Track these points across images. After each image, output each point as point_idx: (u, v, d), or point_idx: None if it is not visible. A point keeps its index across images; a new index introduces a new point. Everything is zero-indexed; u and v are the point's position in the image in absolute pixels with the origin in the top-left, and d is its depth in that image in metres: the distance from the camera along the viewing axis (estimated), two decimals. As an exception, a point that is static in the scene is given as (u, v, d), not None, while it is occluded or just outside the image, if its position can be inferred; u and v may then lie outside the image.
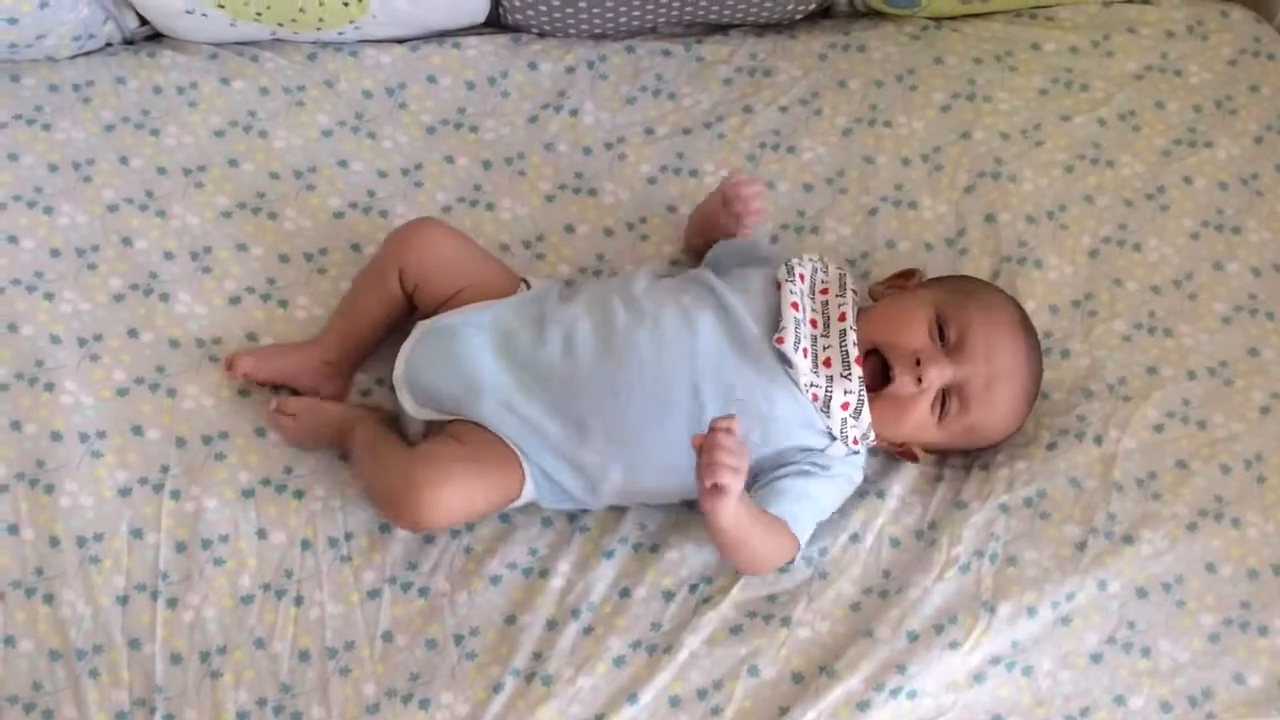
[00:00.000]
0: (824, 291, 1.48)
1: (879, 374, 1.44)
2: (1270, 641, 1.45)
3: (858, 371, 1.42)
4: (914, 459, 1.51)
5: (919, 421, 1.45)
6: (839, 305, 1.46)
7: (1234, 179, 1.72)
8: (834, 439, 1.44)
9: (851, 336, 1.43)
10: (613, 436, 1.42)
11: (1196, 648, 1.45)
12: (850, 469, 1.47)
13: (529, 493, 1.45)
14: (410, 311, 1.55)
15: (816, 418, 1.43)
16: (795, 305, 1.44)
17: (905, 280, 1.54)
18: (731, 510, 1.31)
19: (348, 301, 1.56)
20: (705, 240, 1.58)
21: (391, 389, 1.51)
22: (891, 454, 1.52)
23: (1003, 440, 1.53)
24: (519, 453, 1.43)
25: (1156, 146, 1.73)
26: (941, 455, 1.55)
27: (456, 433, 1.45)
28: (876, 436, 1.47)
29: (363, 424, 1.48)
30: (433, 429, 1.49)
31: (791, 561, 1.45)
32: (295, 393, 1.52)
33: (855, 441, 1.44)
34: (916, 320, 1.45)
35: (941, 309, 1.46)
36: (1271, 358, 1.61)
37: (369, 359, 1.57)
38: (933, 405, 1.44)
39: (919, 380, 1.42)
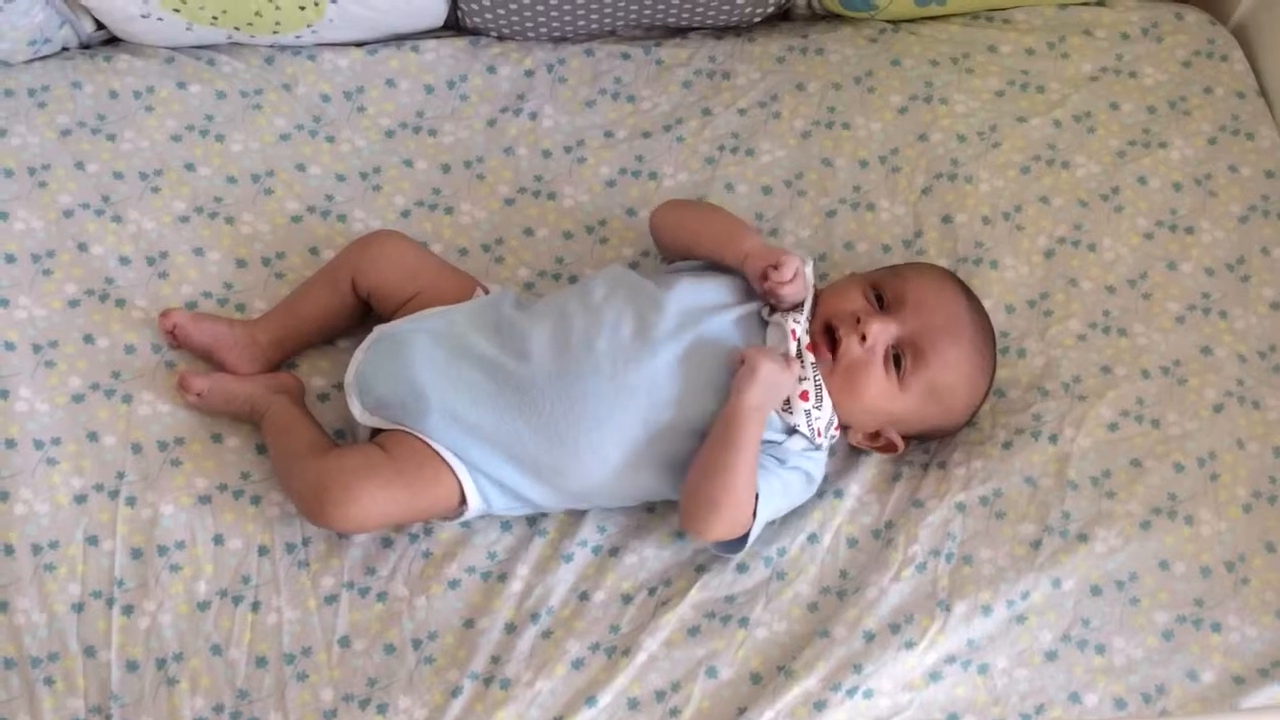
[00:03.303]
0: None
1: (829, 351, 1.45)
2: (1223, 638, 1.47)
3: (810, 358, 1.44)
4: (895, 450, 1.51)
5: (879, 388, 1.45)
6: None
7: (1188, 179, 1.73)
8: (790, 434, 1.45)
9: (804, 326, 1.45)
10: (570, 440, 1.42)
11: (1150, 645, 1.46)
12: (807, 463, 1.47)
13: (476, 505, 1.45)
14: (357, 319, 1.56)
15: (776, 416, 1.43)
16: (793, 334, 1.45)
17: None
18: (757, 395, 1.37)
19: (295, 293, 1.56)
20: (687, 256, 1.56)
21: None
22: (872, 450, 1.52)
23: (974, 407, 1.52)
24: (458, 466, 1.43)
25: (1111, 147, 1.75)
26: (920, 441, 1.55)
27: (384, 443, 1.44)
28: (846, 426, 1.48)
29: (270, 413, 1.48)
30: (376, 437, 1.48)
31: (743, 544, 1.44)
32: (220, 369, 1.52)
33: (820, 434, 1.45)
34: (852, 291, 1.49)
35: (875, 280, 1.50)
36: (1224, 356, 1.62)
37: (331, 364, 1.57)
38: (887, 367, 1.45)
39: (863, 338, 1.43)
